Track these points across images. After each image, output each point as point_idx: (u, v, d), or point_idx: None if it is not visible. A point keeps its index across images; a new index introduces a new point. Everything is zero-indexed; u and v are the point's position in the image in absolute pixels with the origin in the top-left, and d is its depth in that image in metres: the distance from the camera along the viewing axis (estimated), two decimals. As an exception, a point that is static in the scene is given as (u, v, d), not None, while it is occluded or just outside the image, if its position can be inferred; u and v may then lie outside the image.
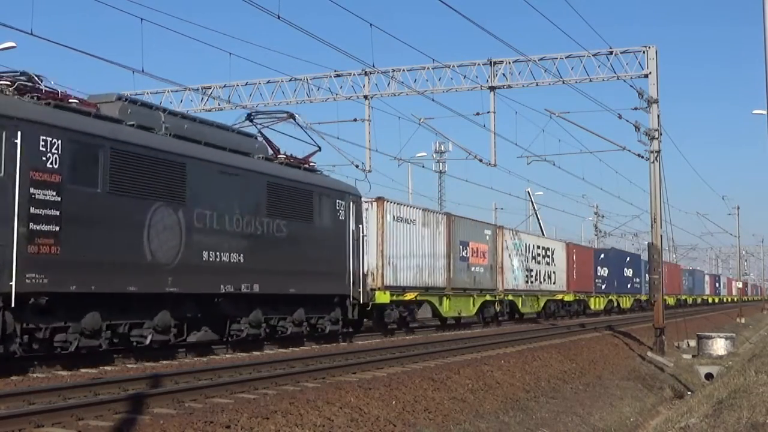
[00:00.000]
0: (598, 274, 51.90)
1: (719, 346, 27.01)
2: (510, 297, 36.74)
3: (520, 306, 38.16)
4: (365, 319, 26.39)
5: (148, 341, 16.28)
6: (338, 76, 30.95)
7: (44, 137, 13.73)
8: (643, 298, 61.69)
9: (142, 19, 22.30)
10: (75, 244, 14.25)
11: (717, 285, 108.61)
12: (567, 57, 28.28)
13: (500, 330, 31.78)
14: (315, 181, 21.55)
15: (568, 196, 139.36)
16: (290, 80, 31.33)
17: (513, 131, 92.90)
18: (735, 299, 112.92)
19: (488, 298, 34.48)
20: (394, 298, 26.64)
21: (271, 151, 21.20)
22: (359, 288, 22.71)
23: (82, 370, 14.79)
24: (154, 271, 16.02)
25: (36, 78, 15.10)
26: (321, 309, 21.69)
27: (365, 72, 30.33)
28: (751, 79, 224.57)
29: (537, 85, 29.12)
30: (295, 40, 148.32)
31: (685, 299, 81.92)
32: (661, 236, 28.19)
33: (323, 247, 21.21)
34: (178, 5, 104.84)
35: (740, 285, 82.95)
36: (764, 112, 16.81)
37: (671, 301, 68.80)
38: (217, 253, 17.60)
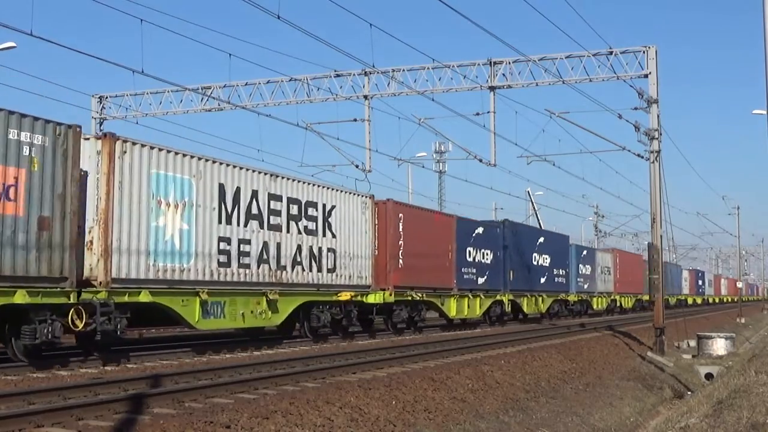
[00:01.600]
0: (471, 259, 31.86)
1: (719, 346, 27.01)
2: (144, 297, 17.07)
3: (194, 315, 18.33)
4: None
5: None
6: (338, 76, 30.95)
7: None
8: (572, 298, 45.62)
9: (142, 20, 22.27)
10: None
11: (700, 283, 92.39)
12: (567, 57, 28.28)
13: (501, 330, 31.72)
14: None
15: (568, 196, 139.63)
16: (290, 80, 31.34)
17: (513, 131, 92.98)
18: (726, 299, 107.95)
19: (20, 299, 14.30)
20: None
21: None
22: None
23: (82, 370, 14.81)
24: None
25: None
26: None
27: (365, 72, 30.33)
28: (751, 78, 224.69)
29: (537, 85, 29.12)
30: (295, 40, 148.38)
31: (652, 300, 70.11)
32: (661, 236, 28.20)
33: None
34: (178, 5, 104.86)
35: (740, 285, 77.77)
36: (764, 112, 16.81)
37: (626, 303, 58.01)
38: None
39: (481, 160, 30.78)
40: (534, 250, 38.80)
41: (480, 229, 33.50)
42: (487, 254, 33.64)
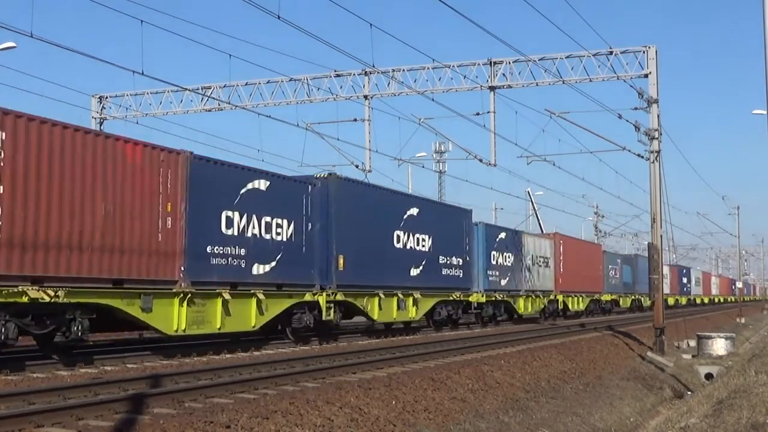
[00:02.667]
0: (234, 232, 19.59)
1: (719, 346, 27.01)
2: None
3: None
4: None
5: None
6: (338, 76, 30.96)
7: None
8: (476, 298, 32.67)
9: (142, 21, 22.32)
10: None
11: (684, 281, 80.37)
12: (567, 57, 28.29)
13: (500, 330, 31.77)
14: None
15: (568, 196, 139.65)
16: (290, 80, 31.35)
17: (513, 131, 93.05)
18: (718, 300, 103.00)
19: None
20: None
21: None
22: None
23: (82, 370, 14.82)
24: None
25: None
26: None
27: (365, 72, 30.34)
28: (751, 78, 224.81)
29: (537, 85, 29.12)
30: (295, 40, 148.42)
31: (616, 300, 56.12)
32: (661, 236, 28.18)
33: None
34: (178, 5, 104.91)
35: (740, 284, 74.32)
36: (764, 112, 16.82)
37: (575, 304, 45.40)
38: None
39: (481, 160, 30.79)
40: (397, 226, 26.57)
41: (259, 183, 20.41)
42: (278, 226, 20.96)
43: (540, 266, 40.60)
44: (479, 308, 33.79)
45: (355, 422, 11.18)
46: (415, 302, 27.49)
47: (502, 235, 36.47)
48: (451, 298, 30.61)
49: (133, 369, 15.25)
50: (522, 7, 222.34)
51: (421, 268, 27.94)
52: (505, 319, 37.80)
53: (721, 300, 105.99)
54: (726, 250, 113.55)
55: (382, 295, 25.43)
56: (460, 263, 31.08)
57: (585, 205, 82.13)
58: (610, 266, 54.13)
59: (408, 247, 27.22)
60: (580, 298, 46.57)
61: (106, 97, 34.29)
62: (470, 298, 32.33)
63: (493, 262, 34.96)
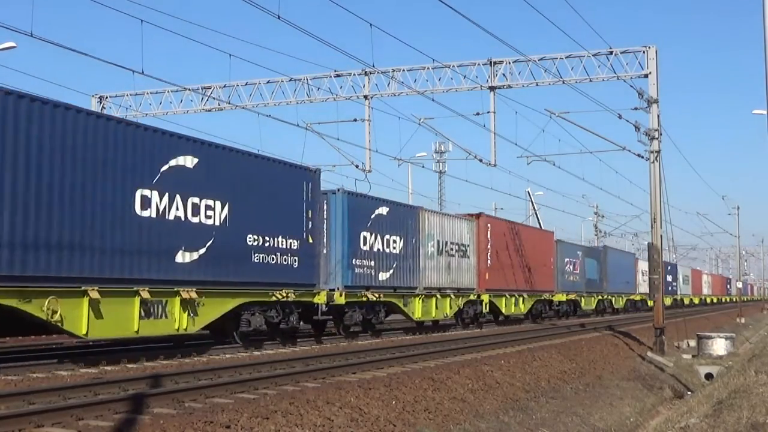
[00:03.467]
0: None
1: (719, 346, 27.01)
2: None
3: None
4: None
5: None
6: (338, 76, 30.97)
7: None
8: (331, 298, 22.96)
9: (142, 21, 22.33)
10: None
11: (669, 279, 69.87)
12: (567, 57, 28.29)
13: (501, 330, 31.77)
14: None
15: (568, 196, 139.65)
16: (290, 80, 31.36)
17: (513, 131, 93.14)
18: (711, 300, 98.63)
19: None
20: None
21: None
22: None
23: (82, 370, 14.82)
24: None
25: None
26: None
27: (365, 72, 30.34)
28: (751, 79, 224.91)
29: (537, 85, 29.12)
30: (295, 40, 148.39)
31: (575, 301, 45.90)
32: (661, 236, 28.18)
33: None
34: (178, 5, 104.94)
35: (739, 285, 73.17)
36: (764, 112, 16.83)
37: (511, 306, 35.76)
38: None
39: (481, 160, 30.77)
40: (145, 182, 16.83)
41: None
42: None
43: (453, 256, 30.88)
44: (335, 313, 24.19)
45: (355, 422, 11.18)
46: (188, 305, 17.70)
47: (382, 210, 26.00)
48: (273, 299, 20.59)
49: (133, 369, 15.25)
50: (522, 7, 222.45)
51: (203, 251, 18.24)
52: (393, 328, 30.01)
53: (714, 300, 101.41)
54: (726, 250, 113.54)
55: (95, 295, 15.33)
56: (296, 247, 21.37)
57: (585, 205, 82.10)
58: (566, 259, 44.10)
59: (170, 217, 17.36)
60: (520, 299, 36.97)
61: (106, 97, 34.28)
62: (315, 299, 22.38)
63: (365, 248, 24.81)
